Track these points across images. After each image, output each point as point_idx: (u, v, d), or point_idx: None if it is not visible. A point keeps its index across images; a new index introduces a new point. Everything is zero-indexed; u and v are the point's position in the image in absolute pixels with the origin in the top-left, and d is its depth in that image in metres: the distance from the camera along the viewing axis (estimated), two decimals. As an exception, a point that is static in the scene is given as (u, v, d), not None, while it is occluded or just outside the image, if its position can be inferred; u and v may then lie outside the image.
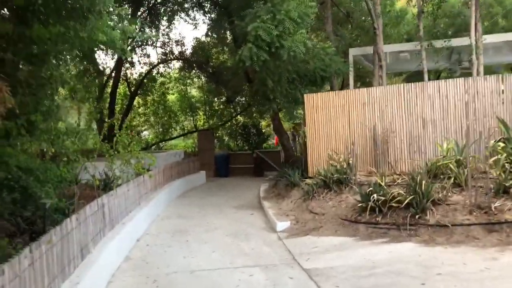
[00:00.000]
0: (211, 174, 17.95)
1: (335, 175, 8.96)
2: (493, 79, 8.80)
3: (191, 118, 24.11)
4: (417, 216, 6.89)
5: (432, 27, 15.76)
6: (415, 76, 18.03)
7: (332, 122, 10.09)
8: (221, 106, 23.42)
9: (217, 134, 21.46)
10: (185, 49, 21.91)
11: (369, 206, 7.35)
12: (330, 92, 10.88)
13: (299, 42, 9.85)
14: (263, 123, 21.67)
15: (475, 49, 12.25)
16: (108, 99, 20.98)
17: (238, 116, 22.65)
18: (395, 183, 8.29)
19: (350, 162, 8.85)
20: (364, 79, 20.13)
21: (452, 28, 16.79)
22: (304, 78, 12.41)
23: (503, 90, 8.69)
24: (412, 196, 6.98)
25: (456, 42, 13.55)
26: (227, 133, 21.78)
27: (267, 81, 11.04)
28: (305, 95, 10.51)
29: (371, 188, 7.51)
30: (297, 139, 16.72)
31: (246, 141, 19.29)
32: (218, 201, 12.16)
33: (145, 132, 26.43)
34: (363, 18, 18.38)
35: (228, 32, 20.44)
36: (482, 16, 14.15)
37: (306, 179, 10.07)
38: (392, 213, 7.25)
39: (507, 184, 6.79)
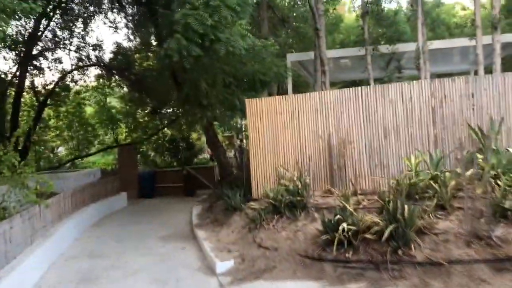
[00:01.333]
0: (135, 195, 15.38)
1: (286, 197, 7.15)
2: (462, 81, 7.58)
3: (111, 132, 21.24)
4: (399, 251, 5.26)
5: (372, 33, 14.79)
6: (350, 86, 17.04)
7: (280, 131, 8.32)
8: (146, 118, 20.86)
9: (141, 149, 18.85)
10: (103, 54, 19.19)
11: (336, 239, 5.61)
12: (277, 96, 9.14)
13: (238, 36, 8.01)
14: (194, 135, 19.47)
15: (422, 54, 11.27)
16: (10, 110, 17.62)
17: (165, 129, 20.25)
18: (361, 206, 6.66)
19: (307, 180, 7.08)
20: (300, 89, 18.82)
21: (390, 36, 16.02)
22: (241, 82, 10.60)
23: (473, 94, 7.48)
24: (393, 225, 5.34)
25: (402, 47, 12.57)
26: (153, 148, 19.20)
27: (200, 84, 9.06)
28: (246, 100, 8.65)
29: (338, 216, 5.76)
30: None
31: (174, 157, 16.95)
32: (141, 231, 9.82)
33: (61, 148, 23.01)
34: (299, 24, 17.13)
35: (152, 36, 18.25)
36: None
37: (250, 202, 8.18)
38: (366, 247, 5.57)
39: (506, 206, 5.39)
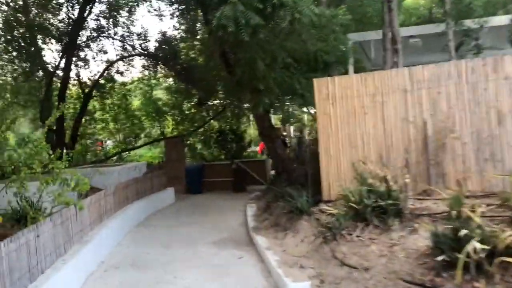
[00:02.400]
0: (182, 190, 14.24)
1: (372, 200, 5.55)
2: None
3: (158, 124, 20.29)
4: None
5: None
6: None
7: (358, 118, 6.69)
8: (192, 110, 19.72)
9: (188, 142, 17.67)
10: (148, 44, 18.18)
11: (460, 262, 3.97)
12: (354, 75, 7.50)
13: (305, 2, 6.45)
14: (243, 127, 18.08)
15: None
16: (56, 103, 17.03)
17: (212, 121, 19.03)
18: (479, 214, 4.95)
19: (406, 180, 5.42)
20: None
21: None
22: (301, 63, 9.03)
23: None
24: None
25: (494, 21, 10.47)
26: (201, 140, 17.94)
27: (256, 64, 7.58)
28: (315, 80, 7.05)
29: (464, 231, 4.10)
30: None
31: (223, 149, 15.63)
32: (191, 234, 8.54)
33: (109, 142, 22.43)
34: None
35: (198, 22, 17.05)
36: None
37: (320, 205, 6.65)
38: (504, 274, 3.90)
39: None
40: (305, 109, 10.78)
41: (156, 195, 11.73)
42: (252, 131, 21.33)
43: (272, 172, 14.45)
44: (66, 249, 5.84)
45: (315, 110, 7.42)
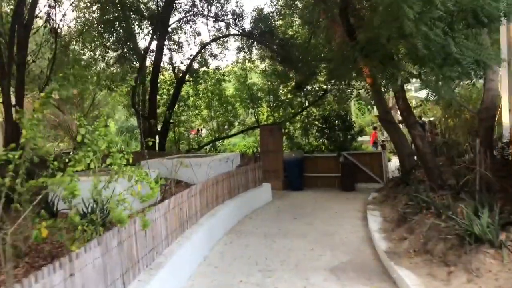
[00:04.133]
0: (279, 185, 12.13)
1: None
2: None
3: (252, 111, 18.40)
4: None
5: None
6: None
7: None
8: (289, 95, 17.46)
9: (286, 130, 15.44)
10: (243, 23, 16.26)
11: None
12: None
13: None
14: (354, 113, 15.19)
15: None
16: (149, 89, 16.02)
17: (312, 108, 16.56)
18: None
19: None
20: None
21: None
22: (454, 17, 6.19)
23: None
24: None
25: None
26: (301, 128, 15.46)
27: (403, 12, 4.99)
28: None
29: None
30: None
31: (327, 139, 13.09)
32: (295, 250, 6.32)
33: (204, 131, 21.27)
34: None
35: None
36: None
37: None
38: None
39: None
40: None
41: (252, 192, 9.74)
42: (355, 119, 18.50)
43: (389, 168, 11.66)
44: (125, 283, 3.94)
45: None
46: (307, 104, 16.74)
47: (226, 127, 18.69)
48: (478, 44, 6.32)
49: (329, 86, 15.80)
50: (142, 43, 21.10)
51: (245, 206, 8.99)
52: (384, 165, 11.40)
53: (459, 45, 5.93)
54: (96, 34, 15.76)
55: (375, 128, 17.49)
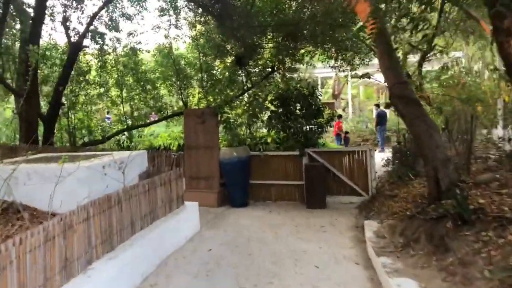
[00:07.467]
0: (213, 200, 7.88)
1: None
2: None
3: (180, 93, 13.75)
4: None
5: None
6: None
7: None
8: (226, 73, 13.13)
9: (223, 118, 10.88)
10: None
11: None
12: None
13: None
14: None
15: None
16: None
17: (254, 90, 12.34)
18: None
19: None
20: None
21: None
22: None
23: None
24: None
25: None
26: (243, 112, 10.72)
27: None
28: None
29: None
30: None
31: (284, 130, 8.85)
32: None
33: (108, 116, 16.19)
34: None
35: None
36: None
37: None
38: None
39: None
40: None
41: (163, 226, 5.33)
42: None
43: (376, 172, 7.87)
44: None
45: None
46: (250, 84, 12.56)
47: (143, 112, 13.86)
48: None
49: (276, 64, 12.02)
50: None
51: (147, 255, 4.60)
52: (370, 170, 7.54)
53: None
54: None
55: (340, 117, 13.76)
